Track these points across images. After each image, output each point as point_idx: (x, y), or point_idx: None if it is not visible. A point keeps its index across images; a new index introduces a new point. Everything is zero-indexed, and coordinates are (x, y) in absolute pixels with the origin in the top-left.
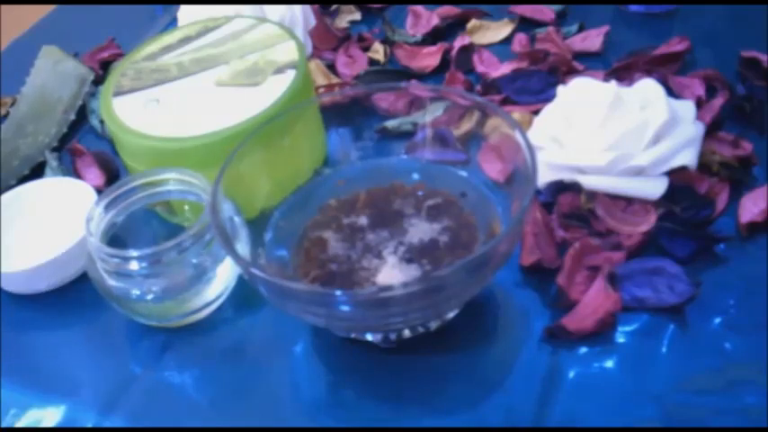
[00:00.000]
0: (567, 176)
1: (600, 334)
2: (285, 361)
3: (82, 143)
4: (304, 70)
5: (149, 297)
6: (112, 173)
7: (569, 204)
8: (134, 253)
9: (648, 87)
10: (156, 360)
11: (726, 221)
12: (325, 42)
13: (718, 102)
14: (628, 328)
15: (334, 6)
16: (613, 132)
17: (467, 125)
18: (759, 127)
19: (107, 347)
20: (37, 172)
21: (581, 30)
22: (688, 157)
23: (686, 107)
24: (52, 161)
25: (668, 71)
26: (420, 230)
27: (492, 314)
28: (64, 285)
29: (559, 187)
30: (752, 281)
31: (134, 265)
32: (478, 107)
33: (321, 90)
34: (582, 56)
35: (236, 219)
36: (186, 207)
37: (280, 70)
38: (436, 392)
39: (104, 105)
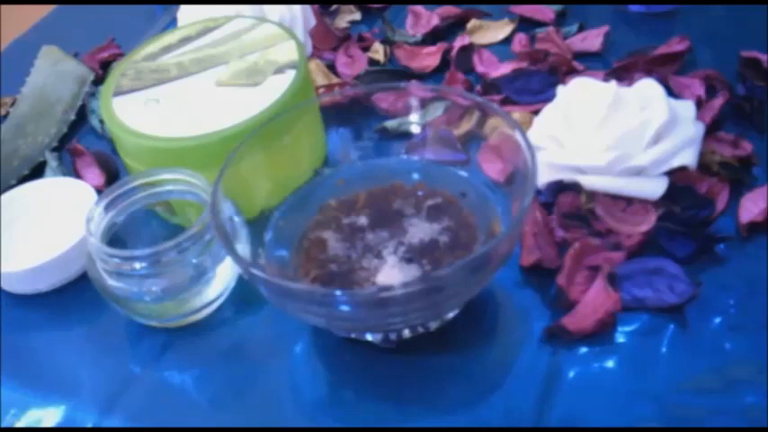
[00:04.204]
0: (567, 176)
1: (600, 334)
2: (285, 361)
3: (82, 143)
4: (304, 70)
5: (149, 297)
6: (112, 173)
7: (569, 204)
8: (134, 253)
9: (648, 87)
10: (156, 360)
11: (726, 221)
12: (325, 42)
13: (718, 102)
14: (628, 328)
15: (334, 6)
16: (613, 132)
17: (467, 125)
18: (759, 127)
19: (107, 347)
20: (37, 172)
21: (581, 30)
22: (688, 157)
23: (686, 107)
24: (52, 161)
25: (668, 71)
26: (420, 230)
27: (492, 314)
28: (64, 285)
29: (559, 187)
30: (752, 281)
31: (134, 265)
32: (478, 107)
33: (321, 90)
34: (582, 56)
35: (236, 219)
36: (186, 207)
37: (280, 70)
38: (436, 392)
39: (104, 105)
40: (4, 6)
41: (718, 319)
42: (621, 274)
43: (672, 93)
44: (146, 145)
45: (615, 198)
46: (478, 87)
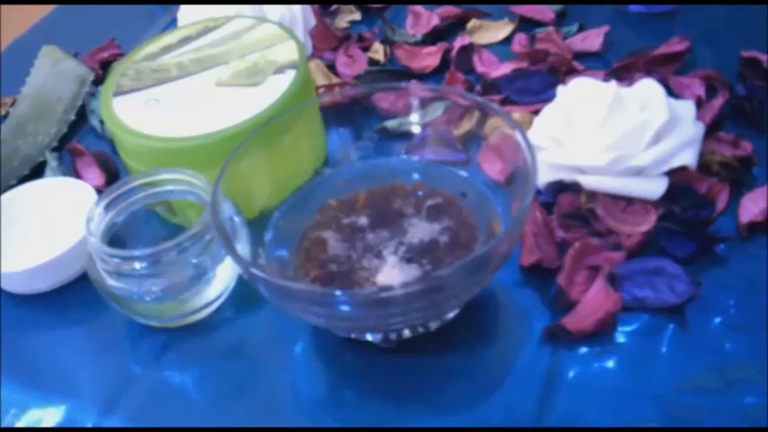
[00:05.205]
0: (567, 176)
1: (600, 334)
2: (285, 361)
3: (82, 143)
4: (304, 70)
5: (149, 297)
6: (112, 173)
7: (569, 204)
8: (134, 253)
9: (648, 87)
10: (156, 360)
11: (726, 221)
12: (325, 42)
13: (718, 102)
14: (628, 328)
15: (334, 6)
16: (613, 132)
17: (467, 125)
18: (759, 127)
19: (107, 347)
20: (37, 172)
21: (581, 30)
22: (688, 157)
23: (686, 107)
24: (52, 161)
25: (668, 71)
26: (420, 230)
27: (492, 314)
28: (64, 285)
29: (559, 187)
30: (752, 281)
31: (134, 265)
32: (478, 107)
33: (321, 90)
34: (582, 56)
35: (236, 219)
36: (186, 207)
37: (280, 70)
38: (436, 392)
39: (104, 105)
40: (4, 6)
41: (718, 319)
42: (621, 274)
43: (672, 93)
44: (146, 145)
45: (615, 198)
46: (478, 87)
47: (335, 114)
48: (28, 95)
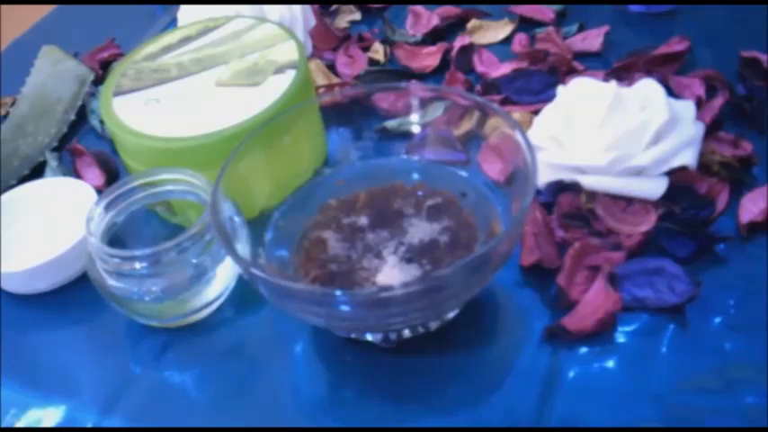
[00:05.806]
0: (567, 176)
1: (600, 334)
2: (285, 361)
3: (82, 143)
4: (304, 70)
5: (149, 297)
6: (112, 173)
7: (569, 204)
8: (134, 253)
9: (648, 87)
10: (156, 360)
11: (726, 221)
12: (325, 42)
13: (718, 102)
14: (628, 328)
15: (334, 6)
16: (613, 132)
17: (467, 125)
18: (759, 127)
19: (107, 347)
20: (37, 172)
21: (581, 30)
22: (688, 157)
23: (686, 107)
24: (52, 161)
25: (668, 71)
26: (420, 230)
27: (492, 314)
28: (64, 285)
29: (559, 187)
30: (752, 281)
31: (134, 265)
32: (478, 107)
33: (321, 90)
34: (582, 56)
35: (236, 219)
36: (186, 207)
37: (280, 70)
38: (436, 392)
39: (104, 105)
40: (4, 6)
41: (718, 319)
42: (621, 274)
43: (672, 93)
44: (146, 145)
45: (615, 198)
46: (478, 87)
47: (335, 114)
48: (28, 95)
